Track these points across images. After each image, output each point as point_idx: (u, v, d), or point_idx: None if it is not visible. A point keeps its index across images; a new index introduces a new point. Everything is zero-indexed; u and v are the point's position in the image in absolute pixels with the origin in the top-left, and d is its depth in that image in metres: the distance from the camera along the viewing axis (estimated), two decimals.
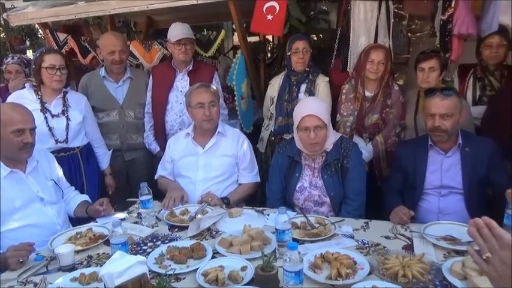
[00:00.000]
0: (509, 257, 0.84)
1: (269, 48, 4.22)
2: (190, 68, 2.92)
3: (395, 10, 3.71)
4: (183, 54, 2.82)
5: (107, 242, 1.83)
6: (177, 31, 2.82)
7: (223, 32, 3.14)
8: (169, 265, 1.64)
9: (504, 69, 2.66)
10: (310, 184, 2.22)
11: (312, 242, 1.80)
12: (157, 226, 2.06)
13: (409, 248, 1.72)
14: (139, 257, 1.44)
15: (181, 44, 2.81)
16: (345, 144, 2.19)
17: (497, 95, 2.56)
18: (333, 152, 2.17)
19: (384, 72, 2.65)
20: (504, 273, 0.85)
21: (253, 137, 3.22)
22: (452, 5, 2.49)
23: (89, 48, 3.47)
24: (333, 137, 2.20)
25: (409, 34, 4.81)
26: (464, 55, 2.83)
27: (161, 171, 2.56)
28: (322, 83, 2.82)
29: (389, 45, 2.86)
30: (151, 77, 3.01)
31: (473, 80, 2.74)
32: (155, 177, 2.59)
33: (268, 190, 2.37)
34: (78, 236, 1.94)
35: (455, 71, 2.88)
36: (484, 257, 0.89)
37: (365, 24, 2.84)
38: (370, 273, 1.51)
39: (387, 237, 1.82)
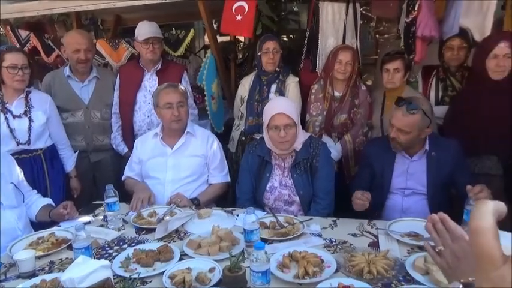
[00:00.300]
0: (460, 250, 0.87)
1: (240, 48, 4.21)
2: (159, 68, 2.88)
3: (364, 12, 3.79)
4: (151, 54, 2.78)
5: (70, 247, 1.77)
6: (145, 30, 2.77)
7: (192, 31, 3.11)
8: (136, 268, 1.60)
9: (465, 70, 2.76)
10: (280, 184, 2.23)
11: (280, 241, 1.81)
12: (124, 229, 2.01)
13: (375, 245, 1.76)
14: (103, 261, 1.41)
15: (149, 43, 2.76)
16: (314, 144, 2.22)
17: (458, 96, 2.66)
18: (302, 151, 2.19)
19: (351, 73, 2.70)
20: (455, 266, 0.87)
21: (224, 137, 3.21)
22: (416, 8, 2.57)
23: (53, 46, 3.35)
24: (302, 136, 2.22)
25: (376, 36, 4.91)
26: (428, 57, 2.93)
27: (128, 172, 2.50)
28: (292, 83, 2.85)
29: (356, 46, 2.92)
30: (118, 77, 2.94)
31: (436, 81, 2.83)
32: (122, 179, 2.54)
33: (238, 190, 2.36)
34: (40, 241, 1.87)
35: (419, 72, 2.97)
36: (437, 250, 0.91)
37: (333, 26, 2.88)
38: (336, 271, 1.53)
39: (354, 235, 1.86)
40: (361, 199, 1.95)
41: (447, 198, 2.20)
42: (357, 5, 2.93)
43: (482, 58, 2.31)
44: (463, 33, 2.71)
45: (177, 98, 2.32)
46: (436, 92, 2.82)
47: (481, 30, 2.73)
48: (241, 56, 4.17)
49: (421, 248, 1.70)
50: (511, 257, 0.68)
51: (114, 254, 1.75)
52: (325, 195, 2.19)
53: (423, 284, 1.42)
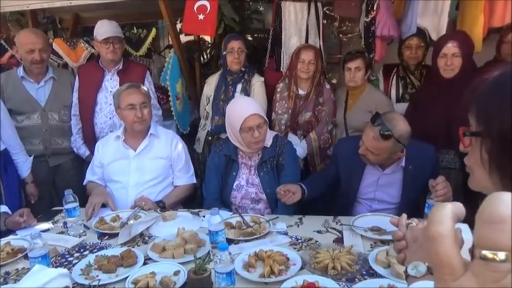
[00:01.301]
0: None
1: (204, 48, 4.18)
2: (120, 68, 2.80)
3: (327, 12, 3.86)
4: (111, 54, 2.70)
5: (27, 256, 1.68)
6: (104, 29, 2.69)
7: (154, 30, 3.05)
8: (97, 275, 1.55)
9: (423, 68, 2.85)
10: (247, 182, 2.23)
11: (246, 241, 1.80)
12: (85, 235, 1.94)
13: (340, 240, 1.79)
14: (61, 270, 1.36)
15: (109, 42, 2.68)
16: (280, 142, 2.23)
17: (416, 93, 2.75)
18: (269, 149, 2.20)
19: (315, 72, 2.73)
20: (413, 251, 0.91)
21: (190, 137, 3.17)
22: (375, 8, 2.63)
23: (6, 46, 3.19)
24: (270, 134, 2.23)
25: (340, 35, 5.00)
26: (389, 55, 3.02)
27: (90, 176, 2.42)
28: (258, 82, 2.85)
29: (319, 45, 2.96)
30: (77, 77, 2.84)
31: (396, 79, 2.91)
32: (84, 183, 2.45)
33: (205, 190, 2.34)
34: None
35: (380, 71, 3.05)
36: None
37: (296, 25, 2.91)
38: (302, 268, 1.54)
39: (319, 232, 1.88)
40: (279, 192, 1.98)
41: (416, 207, 2.08)
42: (319, 4, 2.97)
43: (434, 57, 2.40)
44: (421, 33, 2.79)
45: (139, 99, 2.27)
46: (396, 90, 2.90)
47: (437, 30, 2.83)
48: (206, 56, 4.14)
49: (384, 242, 1.74)
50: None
51: (74, 262, 1.69)
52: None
53: (385, 277, 1.46)
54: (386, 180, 2.09)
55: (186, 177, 2.43)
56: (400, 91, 2.89)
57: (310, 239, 1.81)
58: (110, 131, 2.71)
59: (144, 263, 1.63)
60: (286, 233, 1.88)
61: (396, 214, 2.00)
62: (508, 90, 0.63)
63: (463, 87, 2.34)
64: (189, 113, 3.37)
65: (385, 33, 2.70)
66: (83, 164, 2.83)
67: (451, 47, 2.30)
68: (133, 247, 1.78)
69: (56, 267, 1.63)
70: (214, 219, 1.61)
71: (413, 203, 2.09)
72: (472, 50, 2.41)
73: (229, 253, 1.34)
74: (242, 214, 2.04)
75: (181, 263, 1.58)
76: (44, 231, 1.99)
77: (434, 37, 2.80)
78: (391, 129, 1.86)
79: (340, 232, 1.86)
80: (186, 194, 2.44)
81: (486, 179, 0.67)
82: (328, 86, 2.86)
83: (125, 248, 1.73)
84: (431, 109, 2.40)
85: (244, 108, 2.16)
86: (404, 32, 2.84)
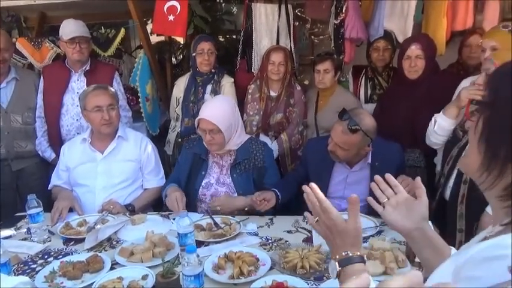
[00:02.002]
0: (328, 221, 0.96)
1: (175, 48, 4.14)
2: (87, 68, 2.73)
3: (299, 14, 3.90)
4: (77, 54, 2.63)
5: None
6: (70, 28, 2.61)
7: (122, 30, 2.99)
8: (62, 282, 1.51)
9: (390, 70, 2.93)
10: (217, 181, 2.21)
11: (216, 242, 1.79)
12: (50, 241, 1.88)
13: (309, 240, 1.80)
14: (22, 278, 1.31)
15: (75, 42, 2.61)
16: (255, 146, 2.22)
17: (383, 94, 2.82)
18: (243, 152, 2.19)
19: (285, 73, 2.75)
20: (328, 237, 0.97)
21: (161, 139, 3.13)
22: (344, 10, 2.68)
23: None
24: (239, 137, 2.20)
25: (312, 37, 5.07)
26: (359, 57, 3.08)
27: (56, 181, 2.35)
28: (227, 83, 2.84)
29: (290, 47, 2.99)
30: (42, 78, 2.74)
31: (365, 80, 2.97)
32: (49, 187, 2.37)
33: (166, 182, 2.32)
34: None
35: (350, 72, 3.11)
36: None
37: (266, 27, 2.93)
38: (271, 269, 1.55)
39: (289, 232, 1.89)
40: (255, 202, 1.98)
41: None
42: (290, 6, 2.99)
43: (399, 59, 2.47)
44: (388, 35, 2.87)
45: (107, 101, 2.22)
46: (365, 91, 2.97)
47: (403, 32, 2.91)
48: (177, 57, 4.10)
49: None
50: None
51: (38, 269, 1.64)
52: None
53: None
54: (354, 178, 2.14)
55: (156, 180, 2.39)
56: (369, 92, 2.96)
57: (280, 239, 1.82)
58: (77, 133, 2.64)
59: (112, 268, 1.59)
60: (256, 234, 1.88)
61: (365, 212, 2.03)
62: None
63: (427, 88, 2.42)
64: (160, 114, 3.33)
65: (353, 36, 2.75)
66: (48, 167, 2.74)
67: (414, 49, 2.38)
68: (100, 252, 1.74)
69: (18, 275, 1.57)
70: (183, 221, 1.60)
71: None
72: (435, 53, 2.50)
73: (198, 255, 1.33)
74: (213, 216, 2.02)
75: (150, 267, 1.56)
76: (6, 238, 1.91)
77: (400, 40, 2.88)
78: (358, 123, 1.91)
79: (310, 231, 1.88)
80: (156, 197, 2.39)
81: (475, 153, 0.69)
82: (298, 88, 2.89)
83: (91, 254, 1.68)
84: (397, 109, 2.47)
85: (204, 108, 2.15)
86: (372, 34, 2.91)
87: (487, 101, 0.68)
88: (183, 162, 2.28)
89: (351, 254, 0.91)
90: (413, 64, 2.38)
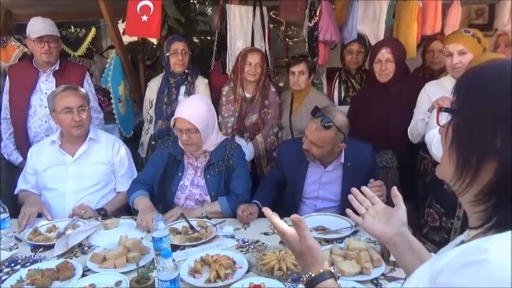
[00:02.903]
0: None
1: (149, 49, 4.07)
2: (57, 68, 2.64)
3: (273, 16, 3.91)
4: (46, 54, 2.53)
5: None
6: (38, 27, 2.52)
7: (93, 29, 2.91)
8: None
9: (363, 73, 2.99)
10: (191, 183, 2.18)
11: (193, 246, 1.77)
12: (17, 248, 1.80)
13: None
14: None
15: (44, 41, 2.52)
16: (229, 146, 2.21)
17: (355, 96, 2.87)
18: (217, 153, 2.17)
19: (261, 74, 2.75)
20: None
21: (135, 141, 3.06)
22: (317, 13, 2.71)
23: None
24: (215, 138, 2.19)
25: (286, 39, 5.11)
26: (333, 59, 3.12)
27: (22, 185, 2.25)
28: (202, 84, 2.82)
29: (265, 49, 3.00)
30: (8, 78, 2.63)
31: (338, 82, 3.01)
32: (15, 192, 2.27)
33: (135, 179, 2.26)
34: None
35: (324, 74, 3.15)
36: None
37: (241, 28, 2.92)
38: (248, 271, 1.54)
39: (266, 234, 1.89)
40: (242, 217, 1.97)
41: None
42: (264, 8, 3.00)
43: (371, 62, 2.53)
44: (361, 38, 2.92)
45: (77, 102, 2.15)
46: (339, 93, 3.00)
47: (376, 36, 2.98)
48: (150, 57, 4.03)
49: (328, 241, 1.79)
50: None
51: (4, 278, 1.56)
52: (242, 190, 2.17)
53: None
54: (328, 178, 2.16)
55: (129, 183, 2.32)
56: (342, 94, 3.00)
57: (257, 241, 1.81)
58: (46, 136, 2.55)
59: (83, 275, 1.54)
60: (233, 236, 1.87)
61: (339, 212, 2.10)
62: (487, 74, 0.67)
63: (398, 90, 2.49)
64: (133, 116, 3.26)
65: (327, 38, 2.79)
66: (14, 171, 2.63)
67: (384, 53, 2.43)
68: (71, 258, 1.68)
69: None
70: (158, 225, 1.56)
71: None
72: (404, 56, 2.56)
73: (173, 260, 1.30)
74: (188, 219, 1.99)
75: (124, 273, 1.51)
76: None
77: (373, 43, 2.94)
78: (331, 119, 1.95)
79: None
80: None
81: (447, 161, 0.70)
82: (273, 89, 2.90)
83: (61, 260, 1.62)
84: (369, 111, 2.52)
85: (180, 108, 2.12)
86: (346, 37, 2.95)
87: (454, 108, 0.68)
88: (158, 160, 2.22)
89: (313, 275, 0.90)
90: (384, 68, 2.44)
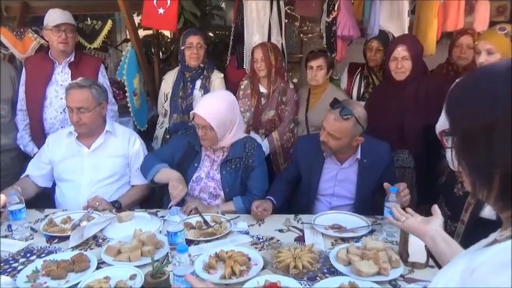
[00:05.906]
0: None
1: (164, 42, 4.06)
2: (72, 60, 2.64)
3: (288, 11, 3.87)
4: (63, 43, 2.53)
5: None
6: (56, 16, 2.53)
7: (109, 22, 2.90)
8: (45, 282, 1.44)
9: (385, 70, 2.92)
10: (207, 175, 2.16)
11: (207, 241, 1.75)
12: (33, 238, 1.81)
13: (301, 239, 1.78)
14: (3, 278, 1.24)
15: (61, 30, 2.52)
16: (250, 145, 2.18)
17: (372, 94, 2.81)
18: (236, 150, 2.14)
19: (269, 69, 2.69)
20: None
21: (148, 134, 3.06)
22: (336, 8, 2.66)
23: None
24: (234, 135, 2.14)
25: (301, 35, 5.05)
26: (357, 54, 3.05)
27: (32, 171, 2.24)
28: (217, 79, 2.79)
29: (282, 43, 2.96)
30: (24, 70, 2.65)
31: (360, 78, 2.95)
32: (21, 177, 2.26)
33: (151, 155, 2.25)
34: None
35: (346, 69, 3.08)
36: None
37: (258, 23, 2.89)
38: (263, 268, 1.52)
39: (281, 231, 1.86)
40: (256, 214, 1.95)
41: (373, 205, 2.12)
42: (281, 2, 2.96)
43: (387, 60, 2.47)
44: (383, 35, 2.83)
45: (76, 103, 2.09)
46: (358, 88, 2.94)
47: (401, 33, 2.90)
48: (165, 51, 4.02)
49: (344, 240, 1.76)
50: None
51: (19, 268, 1.56)
52: (259, 192, 2.15)
53: (346, 275, 1.46)
54: (344, 175, 2.13)
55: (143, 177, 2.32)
56: (362, 90, 2.94)
57: (272, 238, 1.79)
58: (61, 127, 2.56)
59: (98, 267, 1.53)
60: (247, 233, 1.85)
61: (354, 211, 2.07)
62: (468, 88, 0.70)
63: (415, 89, 2.42)
64: (147, 109, 3.25)
65: (345, 34, 2.74)
66: (26, 162, 2.63)
67: (400, 51, 2.37)
68: (86, 250, 1.67)
69: None
70: (173, 219, 1.55)
71: (370, 202, 2.13)
72: (421, 52, 2.49)
73: (189, 255, 1.29)
74: (202, 214, 1.98)
75: (138, 266, 1.51)
76: None
77: None
78: (351, 110, 1.92)
79: (301, 230, 1.86)
80: (144, 194, 2.33)
81: (464, 176, 0.73)
82: (292, 86, 2.86)
83: (76, 252, 1.62)
84: (386, 110, 2.45)
85: (201, 104, 2.09)
86: (369, 33, 2.90)
87: (450, 131, 0.71)
88: (178, 143, 2.22)
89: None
90: (400, 65, 2.38)
